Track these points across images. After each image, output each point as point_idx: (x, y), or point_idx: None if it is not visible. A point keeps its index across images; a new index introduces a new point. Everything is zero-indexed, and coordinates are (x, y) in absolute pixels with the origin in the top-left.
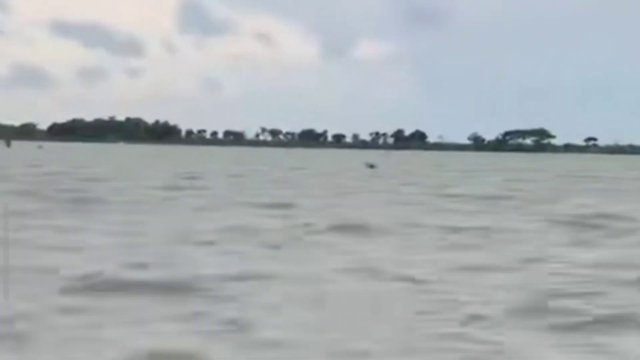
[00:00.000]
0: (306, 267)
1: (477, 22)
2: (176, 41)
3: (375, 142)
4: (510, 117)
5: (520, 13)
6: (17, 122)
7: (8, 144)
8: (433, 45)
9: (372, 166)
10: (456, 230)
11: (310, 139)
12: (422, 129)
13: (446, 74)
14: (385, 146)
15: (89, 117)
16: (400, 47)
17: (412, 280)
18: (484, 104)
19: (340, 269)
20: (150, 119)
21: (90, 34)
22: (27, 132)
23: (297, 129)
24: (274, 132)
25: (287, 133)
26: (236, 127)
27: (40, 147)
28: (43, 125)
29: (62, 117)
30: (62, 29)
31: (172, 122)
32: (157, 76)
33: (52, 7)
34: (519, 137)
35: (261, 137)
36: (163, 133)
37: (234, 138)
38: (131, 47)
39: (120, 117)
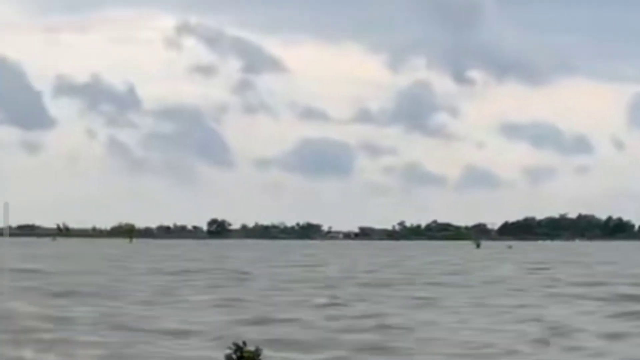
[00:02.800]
0: None
1: None
2: (626, 137)
3: None
4: None
5: None
6: (469, 223)
7: (478, 245)
8: None
9: None
10: None
11: None
12: None
13: None
14: None
15: (539, 216)
16: None
17: None
18: None
19: None
20: (602, 215)
21: (538, 134)
22: (479, 231)
23: None
24: None
25: None
26: None
27: (509, 247)
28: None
29: (513, 216)
30: (511, 130)
31: (625, 218)
32: (607, 172)
33: (500, 111)
34: None
35: None
36: (616, 229)
37: None
38: (580, 144)
39: (572, 215)
